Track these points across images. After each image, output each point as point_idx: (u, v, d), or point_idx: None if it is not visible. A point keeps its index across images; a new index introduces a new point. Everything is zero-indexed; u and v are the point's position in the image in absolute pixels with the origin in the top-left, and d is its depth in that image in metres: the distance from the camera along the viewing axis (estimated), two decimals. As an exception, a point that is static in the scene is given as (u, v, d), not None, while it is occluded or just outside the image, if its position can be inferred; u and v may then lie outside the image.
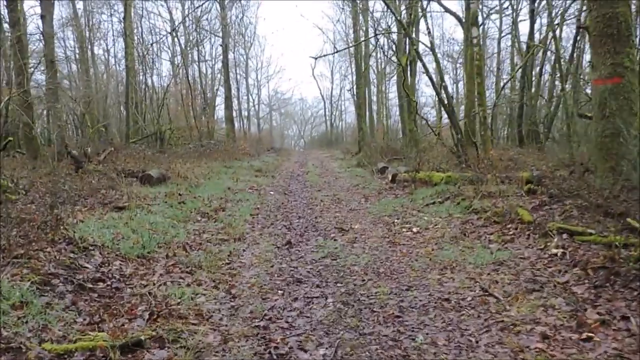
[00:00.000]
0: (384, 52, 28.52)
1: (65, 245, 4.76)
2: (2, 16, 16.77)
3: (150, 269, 4.86)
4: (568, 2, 18.16)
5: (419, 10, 17.34)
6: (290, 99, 58.59)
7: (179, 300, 3.94)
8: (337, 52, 33.03)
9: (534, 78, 20.88)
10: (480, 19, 18.83)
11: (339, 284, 4.56)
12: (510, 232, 5.97)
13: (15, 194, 7.86)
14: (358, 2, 25.49)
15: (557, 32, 17.73)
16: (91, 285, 4.07)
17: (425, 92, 54.07)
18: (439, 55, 16.73)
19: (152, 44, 25.94)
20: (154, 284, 4.36)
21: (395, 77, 28.19)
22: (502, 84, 24.28)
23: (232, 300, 4.11)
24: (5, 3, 16.03)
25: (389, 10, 17.89)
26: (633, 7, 11.09)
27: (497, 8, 24.78)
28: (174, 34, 26.45)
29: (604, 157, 6.84)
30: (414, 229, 6.82)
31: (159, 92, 25.68)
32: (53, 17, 17.75)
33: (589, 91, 19.33)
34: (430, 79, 14.33)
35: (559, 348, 3.11)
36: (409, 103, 19.42)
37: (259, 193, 10.96)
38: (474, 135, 13.49)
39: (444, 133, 18.02)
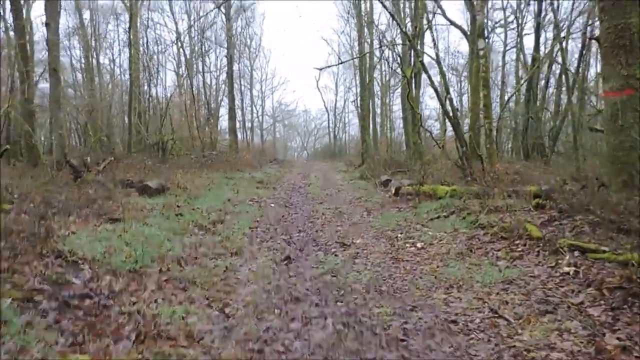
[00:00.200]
0: (388, 64, 28.51)
1: (54, 259, 4.53)
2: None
3: (141, 284, 4.62)
4: (574, 15, 18.05)
5: (425, 22, 17.23)
6: (294, 110, 58.47)
7: (169, 320, 3.71)
8: (341, 63, 33.08)
9: (539, 91, 20.72)
10: (485, 32, 18.68)
11: (339, 303, 4.32)
12: (519, 249, 5.73)
13: (9, 203, 7.67)
14: (363, 14, 25.48)
15: (564, 44, 17.56)
16: (77, 303, 3.84)
17: (429, 104, 53.98)
18: (443, 68, 16.57)
19: (156, 54, 25.93)
20: (144, 301, 4.12)
21: (399, 90, 28.05)
22: (506, 97, 24.16)
23: (226, 320, 3.87)
24: (11, 10, 16.05)
25: (394, 23, 17.83)
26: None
27: (502, 22, 24.73)
28: (179, 43, 26.44)
29: (616, 171, 6.62)
30: (418, 245, 6.58)
31: (162, 102, 25.61)
32: (59, 25, 17.76)
33: (594, 104, 19.20)
34: (436, 91, 14.17)
35: (577, 378, 2.87)
36: (413, 115, 19.24)
37: (260, 205, 10.75)
38: (478, 148, 13.27)
39: (447, 146, 17.84)
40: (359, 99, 29.97)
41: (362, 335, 3.58)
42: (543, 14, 19.96)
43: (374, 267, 5.58)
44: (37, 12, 30.31)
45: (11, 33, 17.41)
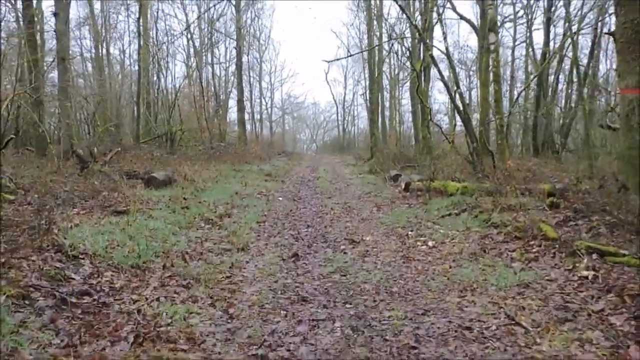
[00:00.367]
0: (398, 57, 28.18)
1: (53, 253, 4.40)
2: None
3: (144, 281, 4.49)
4: (585, 9, 17.66)
5: (435, 15, 16.92)
6: (303, 103, 58.34)
7: (169, 321, 3.56)
8: (350, 55, 32.91)
9: (550, 87, 20.36)
10: (496, 26, 18.32)
11: (348, 305, 4.14)
12: (534, 250, 5.52)
13: (13, 193, 7.57)
14: (373, 7, 25.17)
15: (575, 39, 17.19)
16: (75, 300, 3.71)
17: (437, 99, 53.46)
18: (453, 62, 16.26)
19: (165, 43, 25.79)
20: (146, 299, 3.98)
21: (408, 84, 27.77)
22: (516, 93, 23.80)
23: (229, 321, 3.71)
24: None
25: (403, 17, 17.53)
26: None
27: (512, 17, 24.30)
28: (187, 33, 26.26)
29: (633, 171, 6.39)
30: (430, 243, 6.38)
31: (171, 93, 25.49)
32: (69, 15, 17.65)
33: (607, 100, 18.82)
34: (446, 85, 13.94)
35: (602, 394, 2.68)
36: (422, 109, 18.98)
37: (268, 199, 10.59)
38: (488, 143, 13.02)
39: (456, 141, 17.55)
40: (368, 92, 29.72)
41: (371, 340, 3.41)
42: (553, 8, 19.58)
43: (384, 266, 5.40)
44: (49, 2, 30.25)
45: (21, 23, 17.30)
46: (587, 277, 4.49)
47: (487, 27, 13.06)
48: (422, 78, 18.63)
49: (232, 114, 33.33)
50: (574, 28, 17.04)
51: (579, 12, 17.89)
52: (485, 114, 14.12)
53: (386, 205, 9.76)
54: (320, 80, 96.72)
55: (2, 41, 16.19)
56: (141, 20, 21.53)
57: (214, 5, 25.71)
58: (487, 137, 14.09)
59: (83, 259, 4.53)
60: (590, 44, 19.27)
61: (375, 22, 25.11)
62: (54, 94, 18.69)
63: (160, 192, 9.24)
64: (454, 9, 19.10)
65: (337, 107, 47.31)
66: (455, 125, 21.42)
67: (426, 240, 6.54)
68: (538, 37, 34.21)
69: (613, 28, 8.13)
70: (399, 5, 14.96)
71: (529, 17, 22.47)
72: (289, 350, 3.25)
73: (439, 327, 3.62)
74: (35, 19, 17.87)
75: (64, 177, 9.65)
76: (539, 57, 21.21)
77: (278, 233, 7.26)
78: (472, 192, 8.95)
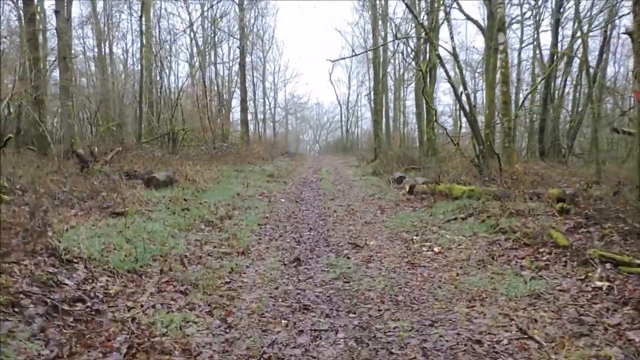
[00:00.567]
0: (403, 58, 27.97)
1: (46, 257, 4.24)
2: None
3: (140, 286, 4.33)
4: (594, 11, 17.42)
5: (443, 14, 16.75)
6: (306, 103, 58.22)
7: (165, 330, 3.40)
8: (354, 55, 32.75)
9: (557, 89, 20.12)
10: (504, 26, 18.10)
11: (351, 314, 3.97)
12: (544, 257, 5.35)
13: (10, 194, 7.41)
14: (378, 7, 24.98)
15: (585, 39, 16.95)
16: (67, 307, 3.54)
17: (442, 100, 53.29)
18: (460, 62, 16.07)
19: (168, 42, 25.65)
20: (141, 307, 3.82)
21: (413, 85, 27.54)
22: (522, 95, 23.55)
23: (227, 331, 3.54)
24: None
25: (408, 17, 17.34)
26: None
27: (519, 18, 24.03)
28: (190, 32, 26.12)
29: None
30: (435, 249, 6.20)
31: (174, 92, 25.34)
32: (71, 14, 17.55)
33: (617, 104, 18.60)
34: (452, 86, 13.75)
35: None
36: (427, 111, 18.79)
37: (269, 200, 10.42)
38: (494, 146, 12.82)
39: (461, 143, 17.34)
40: (372, 93, 29.49)
41: (377, 354, 3.24)
42: (561, 9, 19.33)
43: (389, 272, 5.23)
44: (51, 1, 30.14)
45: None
46: (601, 288, 4.31)
47: (496, 27, 12.85)
48: (428, 79, 18.44)
49: (235, 114, 33.19)
50: (584, 29, 16.82)
51: (588, 13, 17.67)
52: (492, 116, 13.93)
53: (390, 208, 9.59)
54: (324, 81, 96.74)
55: (2, 40, 16.08)
56: (144, 19, 21.35)
57: (217, 2, 25.52)
58: (492, 139, 13.88)
59: (77, 263, 4.37)
60: (599, 45, 19.04)
61: (380, 22, 24.93)
62: (56, 92, 18.58)
63: (161, 192, 9.09)
64: (460, 8, 18.91)
65: (340, 108, 47.19)
66: (460, 127, 21.22)
67: (432, 246, 6.36)
68: (545, 39, 34.00)
69: (622, 30, 7.94)
70: (405, 4, 14.80)
71: (537, 18, 22.22)
72: (289, 364, 3.08)
73: (447, 340, 3.44)
74: (37, 17, 17.77)
75: (64, 177, 9.50)
76: (546, 59, 20.97)
77: (279, 236, 7.10)
78: (479, 195, 8.76)
